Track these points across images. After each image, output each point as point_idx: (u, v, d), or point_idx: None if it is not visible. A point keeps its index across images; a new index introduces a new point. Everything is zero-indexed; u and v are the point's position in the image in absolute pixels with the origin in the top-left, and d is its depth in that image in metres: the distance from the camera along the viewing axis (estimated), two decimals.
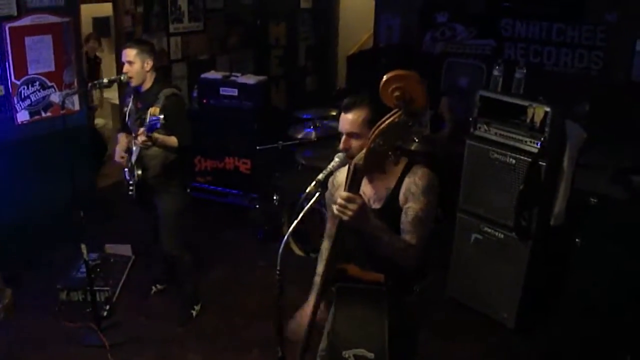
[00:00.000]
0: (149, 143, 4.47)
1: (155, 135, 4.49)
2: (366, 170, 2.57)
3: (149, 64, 4.70)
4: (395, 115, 2.50)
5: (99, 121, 8.62)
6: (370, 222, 2.61)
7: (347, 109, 2.86)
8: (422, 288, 3.11)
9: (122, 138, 5.02)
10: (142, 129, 4.42)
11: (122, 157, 4.95)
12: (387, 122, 2.50)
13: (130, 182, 4.87)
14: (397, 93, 2.46)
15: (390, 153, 2.58)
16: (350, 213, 2.51)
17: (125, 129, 5.03)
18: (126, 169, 4.95)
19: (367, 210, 2.61)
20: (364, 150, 2.55)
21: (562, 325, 4.82)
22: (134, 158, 4.76)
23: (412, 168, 2.93)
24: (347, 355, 2.63)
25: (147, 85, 4.76)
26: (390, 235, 2.70)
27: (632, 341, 4.36)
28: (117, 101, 7.95)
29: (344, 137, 2.87)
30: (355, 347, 2.64)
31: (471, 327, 5.19)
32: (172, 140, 4.68)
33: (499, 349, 4.95)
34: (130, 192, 4.90)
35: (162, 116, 4.26)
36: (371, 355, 2.61)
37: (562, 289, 4.78)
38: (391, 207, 2.89)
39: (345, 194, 2.53)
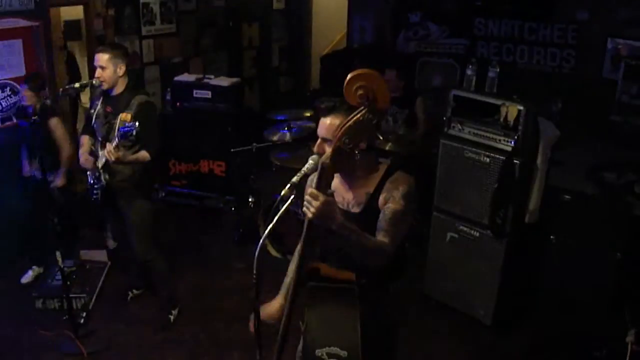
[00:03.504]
0: (120, 154, 4.39)
1: (126, 154, 4.47)
2: (333, 169, 2.58)
3: (121, 69, 4.65)
4: (359, 114, 2.53)
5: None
6: (336, 220, 2.59)
7: (325, 113, 2.86)
8: (397, 286, 3.11)
9: (86, 140, 4.95)
10: (111, 146, 4.35)
11: (87, 159, 4.83)
12: (351, 120, 2.54)
13: (95, 186, 4.81)
14: (360, 92, 2.49)
15: (357, 152, 2.59)
16: (312, 209, 2.52)
17: (89, 131, 4.95)
18: (89, 172, 4.88)
19: (332, 207, 2.59)
20: (330, 149, 2.56)
21: (538, 321, 4.87)
22: (100, 163, 4.69)
23: (394, 174, 2.93)
24: (320, 354, 2.63)
25: (119, 89, 4.70)
26: (359, 235, 2.68)
27: (608, 336, 4.41)
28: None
29: (318, 141, 2.87)
30: (328, 345, 2.64)
31: (448, 325, 5.21)
32: (144, 156, 4.64)
33: (477, 346, 4.98)
34: (94, 196, 4.85)
35: (136, 123, 4.23)
36: (344, 353, 2.62)
37: (538, 286, 4.83)
38: (370, 210, 2.89)
39: (311, 189, 2.55)
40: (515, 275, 4.99)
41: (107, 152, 4.37)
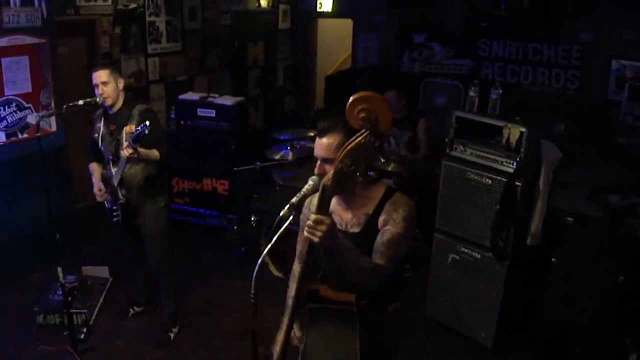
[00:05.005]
0: (135, 155, 4.43)
1: (140, 149, 4.48)
2: (334, 190, 2.57)
3: (121, 83, 4.75)
4: (362, 136, 2.52)
5: None
6: (338, 242, 2.59)
7: (321, 134, 2.84)
8: (395, 308, 3.10)
9: (95, 167, 4.99)
10: (125, 143, 4.41)
11: (100, 189, 4.85)
12: (354, 142, 2.52)
13: (115, 208, 4.84)
14: (362, 114, 2.48)
15: (358, 174, 2.59)
16: (319, 234, 2.50)
17: (95, 157, 4.99)
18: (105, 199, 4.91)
19: (335, 230, 2.59)
20: (331, 171, 2.55)
21: (539, 345, 4.84)
22: (115, 181, 4.73)
23: (394, 195, 2.92)
24: None
25: (118, 105, 4.76)
26: (357, 256, 2.69)
27: (609, 359, 4.39)
28: None
29: (318, 162, 2.84)
30: None
31: (449, 347, 5.18)
32: (154, 154, 4.68)
33: None
34: (115, 219, 4.87)
35: (147, 122, 4.28)
36: None
37: (539, 308, 4.80)
38: (369, 230, 2.88)
39: (314, 215, 2.52)
40: (517, 298, 4.98)
41: (123, 153, 4.43)
